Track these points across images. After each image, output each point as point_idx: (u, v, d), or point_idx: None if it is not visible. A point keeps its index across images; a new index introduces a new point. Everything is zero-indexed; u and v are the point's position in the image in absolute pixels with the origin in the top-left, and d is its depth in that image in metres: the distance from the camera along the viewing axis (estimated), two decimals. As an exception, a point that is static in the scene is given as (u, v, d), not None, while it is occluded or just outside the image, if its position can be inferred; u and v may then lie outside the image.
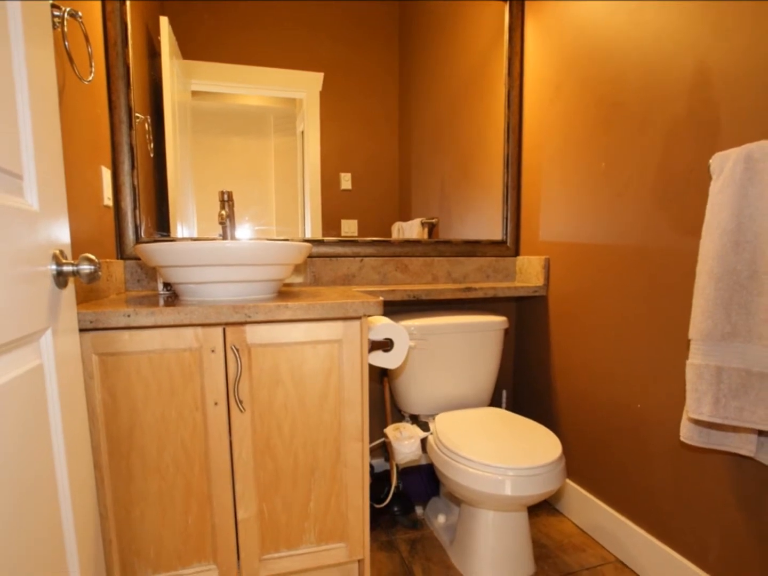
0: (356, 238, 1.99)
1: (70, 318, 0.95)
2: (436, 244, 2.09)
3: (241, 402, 1.27)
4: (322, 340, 1.33)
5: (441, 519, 1.84)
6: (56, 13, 1.08)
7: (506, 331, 2.25)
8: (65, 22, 1.12)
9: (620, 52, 1.57)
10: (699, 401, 1.16)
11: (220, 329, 1.23)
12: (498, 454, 1.45)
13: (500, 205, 2.16)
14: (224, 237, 1.59)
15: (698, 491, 1.36)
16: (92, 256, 0.88)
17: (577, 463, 1.86)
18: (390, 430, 1.75)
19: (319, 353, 1.33)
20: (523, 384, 2.23)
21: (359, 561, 1.51)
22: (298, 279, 1.92)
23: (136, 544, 1.26)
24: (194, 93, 1.76)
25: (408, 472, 2.04)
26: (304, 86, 1.87)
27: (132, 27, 1.64)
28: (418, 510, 1.96)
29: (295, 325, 1.29)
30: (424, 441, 1.77)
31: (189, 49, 1.73)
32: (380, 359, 1.48)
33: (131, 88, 1.65)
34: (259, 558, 1.36)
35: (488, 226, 2.16)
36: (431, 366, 1.85)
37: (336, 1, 1.87)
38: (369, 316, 1.35)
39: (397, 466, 1.93)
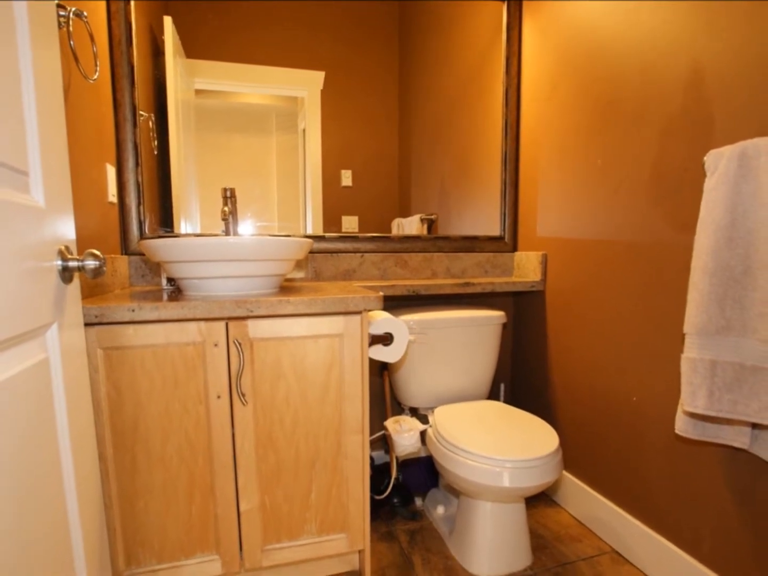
0: (357, 234, 2.00)
1: (75, 312, 0.96)
2: (435, 240, 2.11)
3: (243, 395, 1.29)
4: (323, 335, 1.33)
5: (440, 510, 1.85)
6: (62, 13, 1.09)
7: (504, 326, 2.27)
8: (71, 22, 1.12)
9: (616, 51, 1.58)
10: (694, 394, 1.17)
11: (222, 323, 1.25)
12: (496, 447, 1.46)
13: (498, 202, 2.17)
14: (227, 233, 1.60)
15: (693, 483, 1.37)
16: (97, 252, 0.89)
17: (573, 456, 1.87)
18: (390, 423, 1.75)
19: (320, 347, 1.34)
20: (520, 377, 2.24)
21: (360, 551, 1.53)
22: (300, 274, 1.93)
23: (141, 534, 1.27)
24: (197, 91, 1.77)
25: (408, 464, 2.05)
26: (306, 85, 1.88)
27: (136, 26, 1.65)
28: (418, 501, 1.97)
29: (296, 319, 1.30)
30: (423, 433, 1.78)
31: (192, 49, 1.74)
32: (380, 353, 1.49)
33: (135, 86, 1.67)
34: (262, 549, 1.37)
35: (486, 222, 2.18)
36: (430, 360, 1.87)
37: (337, 2, 1.88)
38: (369, 310, 1.36)
39: (396, 458, 1.94)
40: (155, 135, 1.73)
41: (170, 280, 1.61)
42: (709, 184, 1.17)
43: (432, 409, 1.91)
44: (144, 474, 1.25)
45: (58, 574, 0.83)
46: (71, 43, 1.18)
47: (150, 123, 1.71)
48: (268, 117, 1.86)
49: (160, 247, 1.30)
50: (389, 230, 2.06)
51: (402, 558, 1.63)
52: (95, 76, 1.31)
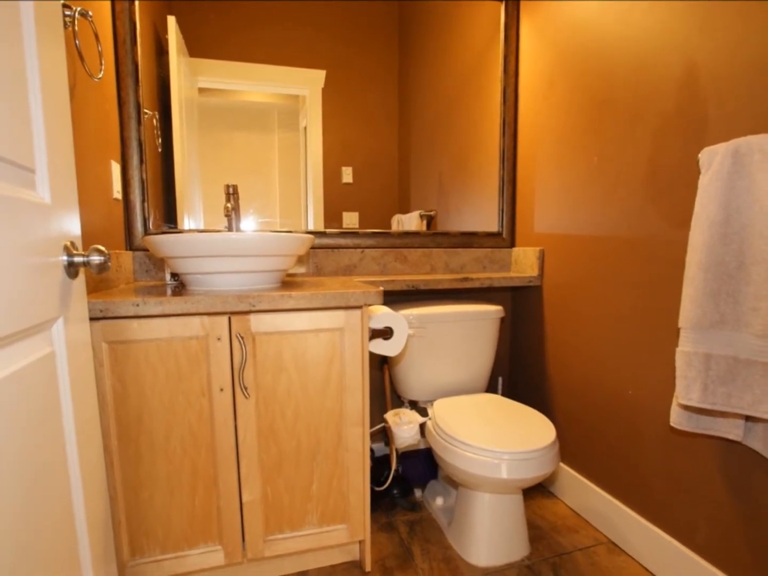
0: (357, 230, 2.01)
1: (80, 307, 0.96)
2: (434, 236, 2.12)
3: (245, 388, 1.30)
4: (324, 329, 1.35)
5: (439, 501, 1.86)
6: (67, 12, 1.09)
7: (502, 320, 2.28)
8: (76, 22, 1.13)
9: (611, 50, 1.59)
10: (688, 387, 1.18)
11: (225, 318, 1.26)
12: (494, 439, 1.47)
13: (496, 198, 2.19)
14: (230, 229, 1.61)
15: (687, 475, 1.38)
16: (102, 248, 0.89)
17: (570, 448, 1.89)
18: (390, 416, 1.77)
19: (321, 341, 1.35)
20: (518, 371, 2.26)
21: (360, 542, 1.55)
22: (301, 269, 1.95)
23: (145, 525, 1.29)
24: (201, 90, 1.78)
25: (407, 456, 2.06)
26: (307, 83, 1.89)
27: (140, 26, 1.66)
28: (417, 493, 1.99)
29: (298, 314, 1.31)
30: (422, 426, 1.79)
31: (196, 48, 1.75)
32: (380, 347, 1.51)
33: (140, 85, 1.68)
34: (264, 539, 1.39)
35: (485, 218, 2.19)
36: (430, 354, 1.88)
37: (337, 1, 1.89)
38: (369, 305, 1.37)
39: (396, 450, 1.95)
40: (159, 133, 1.74)
41: (174, 275, 1.63)
42: (703, 181, 1.18)
43: (431, 402, 1.92)
44: (148, 465, 1.26)
45: (64, 563, 0.84)
46: (77, 42, 1.18)
47: (154, 121, 1.73)
48: (270, 115, 1.88)
49: (164, 243, 1.31)
50: (389, 226, 2.07)
51: (402, 548, 1.64)
52: (100, 75, 1.31)
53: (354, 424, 1.42)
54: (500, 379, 2.19)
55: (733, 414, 1.19)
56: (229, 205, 1.57)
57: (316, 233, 1.95)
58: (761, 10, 1.13)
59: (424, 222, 2.11)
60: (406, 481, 1.97)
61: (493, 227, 2.21)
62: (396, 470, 2.00)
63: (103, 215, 1.48)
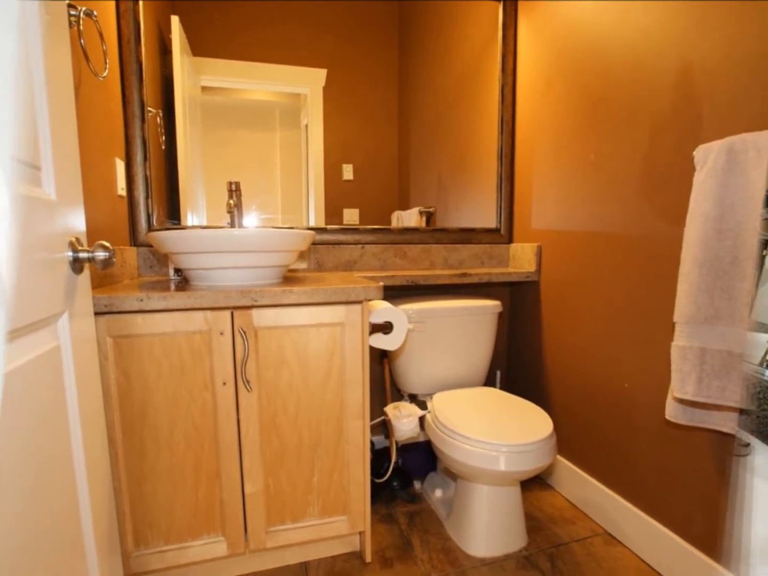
0: (358, 226, 2.03)
1: (85, 302, 0.97)
2: (433, 232, 2.13)
3: (248, 382, 1.31)
4: (325, 323, 1.36)
5: (438, 493, 1.87)
6: (72, 12, 1.10)
7: (500, 315, 2.28)
8: (81, 21, 1.14)
9: (608, 49, 1.60)
10: (683, 381, 1.19)
11: (228, 313, 1.27)
12: (492, 432, 1.48)
13: (494, 195, 2.20)
14: (232, 225, 1.62)
15: (682, 467, 1.39)
16: (107, 244, 0.89)
17: (567, 440, 1.90)
18: (390, 409, 1.78)
19: (322, 336, 1.37)
20: (516, 365, 2.27)
21: (360, 533, 1.56)
22: (303, 265, 1.96)
23: (149, 516, 1.30)
24: (204, 88, 1.80)
25: (407, 448, 2.07)
26: (308, 82, 1.90)
27: (144, 25, 1.67)
28: (417, 485, 2.00)
29: (299, 308, 1.32)
30: (422, 419, 1.80)
31: (199, 47, 1.76)
32: (380, 341, 1.52)
33: (144, 83, 1.69)
34: (266, 530, 1.40)
35: (483, 214, 2.21)
36: (429, 348, 1.89)
37: (338, 1, 1.90)
38: (370, 300, 1.38)
39: (396, 442, 1.97)
40: (163, 130, 1.75)
41: (177, 270, 1.64)
42: (698, 178, 1.19)
43: (430, 395, 1.94)
44: (152, 458, 1.27)
45: (69, 554, 0.84)
46: (81, 41, 1.19)
47: (158, 119, 1.74)
48: (271, 113, 1.89)
49: (168, 239, 1.32)
50: (389, 222, 2.09)
51: (401, 539, 1.66)
52: (105, 74, 1.32)
53: (354, 418, 1.44)
54: (498, 373, 2.20)
55: (728, 407, 1.20)
56: (231, 201, 1.58)
57: (317, 229, 1.97)
58: (755, 10, 1.14)
59: (424, 218, 2.12)
60: (405, 474, 1.98)
61: (492, 223, 2.23)
62: (396, 462, 2.01)
63: (107, 212, 1.49)
